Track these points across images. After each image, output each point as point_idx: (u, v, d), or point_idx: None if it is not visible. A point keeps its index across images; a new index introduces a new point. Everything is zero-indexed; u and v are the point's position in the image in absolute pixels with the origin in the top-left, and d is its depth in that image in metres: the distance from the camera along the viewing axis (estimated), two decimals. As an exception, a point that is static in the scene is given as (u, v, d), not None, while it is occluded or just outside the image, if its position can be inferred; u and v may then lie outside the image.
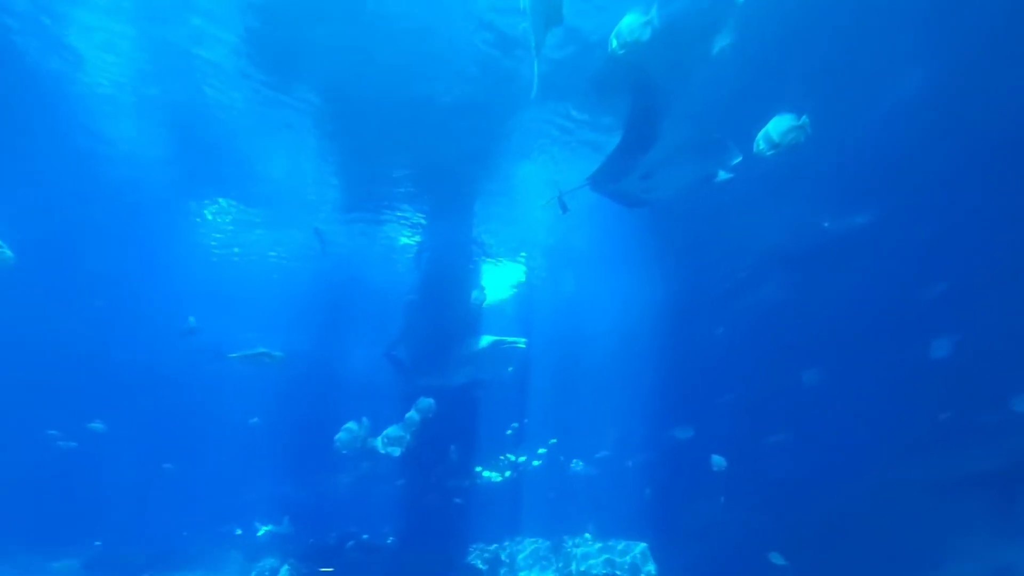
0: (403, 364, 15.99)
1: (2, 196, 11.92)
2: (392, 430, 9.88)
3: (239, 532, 15.32)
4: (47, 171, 11.10)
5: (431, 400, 10.85)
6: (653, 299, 16.01)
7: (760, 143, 5.69)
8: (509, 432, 16.95)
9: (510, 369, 14.45)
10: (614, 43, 5.85)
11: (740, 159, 8.83)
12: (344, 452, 9.82)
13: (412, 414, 9.91)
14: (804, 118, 5.45)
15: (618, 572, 13.19)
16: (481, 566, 13.83)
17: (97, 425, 18.48)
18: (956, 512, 10.85)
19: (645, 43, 5.80)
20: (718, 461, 11.20)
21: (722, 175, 9.22)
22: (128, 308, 17.74)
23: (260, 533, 15.34)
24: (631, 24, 5.76)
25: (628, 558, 13.45)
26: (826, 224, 11.97)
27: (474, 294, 11.77)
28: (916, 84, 8.42)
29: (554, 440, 17.84)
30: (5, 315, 17.79)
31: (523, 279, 16.27)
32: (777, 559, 10.82)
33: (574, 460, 17.03)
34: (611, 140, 9.86)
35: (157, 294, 16.42)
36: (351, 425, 9.66)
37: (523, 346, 13.57)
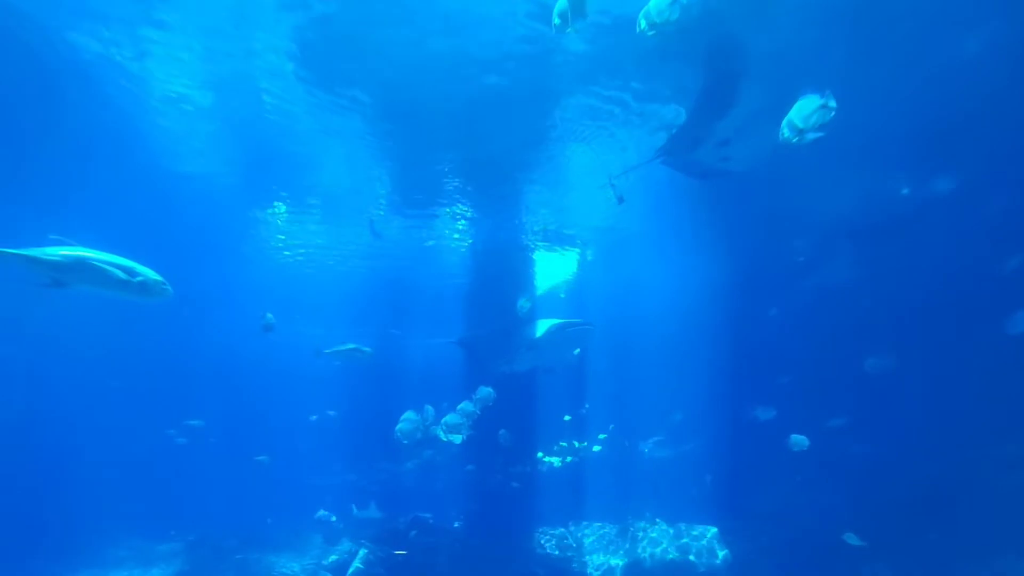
0: (472, 351, 16.17)
1: (93, 221, 12.94)
2: (451, 418, 10.09)
3: (334, 519, 16.10)
4: (125, 192, 11.80)
5: (490, 389, 11.04)
6: (713, 280, 15.51)
7: (785, 131, 5.55)
8: (567, 418, 16.93)
9: (576, 351, 14.22)
10: (643, 23, 5.64)
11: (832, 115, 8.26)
12: (406, 442, 10.10)
13: (466, 404, 10.06)
14: (829, 98, 5.24)
15: (690, 557, 12.93)
16: (549, 550, 13.94)
17: (196, 422, 20.01)
18: None
19: (675, 23, 5.61)
20: (799, 441, 10.52)
21: (810, 135, 8.63)
22: (208, 314, 19.06)
23: (358, 516, 15.97)
24: (660, 4, 5.53)
25: (699, 542, 13.15)
26: (905, 191, 11.09)
27: (520, 302, 11.53)
28: (1001, 35, 7.69)
29: (612, 426, 17.66)
30: (113, 329, 19.49)
31: (577, 265, 16.20)
32: (852, 540, 10.25)
33: (643, 441, 16.77)
34: (668, 114, 9.34)
35: (232, 299, 17.49)
36: (410, 415, 9.94)
37: (590, 326, 13.20)
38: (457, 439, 10.82)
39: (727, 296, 15.35)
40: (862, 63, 8.19)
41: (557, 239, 14.74)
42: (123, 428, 26.90)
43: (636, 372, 19.83)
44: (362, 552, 13.79)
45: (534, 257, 15.53)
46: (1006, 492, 10.60)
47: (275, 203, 12.72)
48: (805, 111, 5.35)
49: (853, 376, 12.61)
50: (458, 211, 12.98)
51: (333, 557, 14.88)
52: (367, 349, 9.73)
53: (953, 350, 11.72)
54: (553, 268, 16.25)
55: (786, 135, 5.56)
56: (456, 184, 11.93)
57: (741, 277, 14.76)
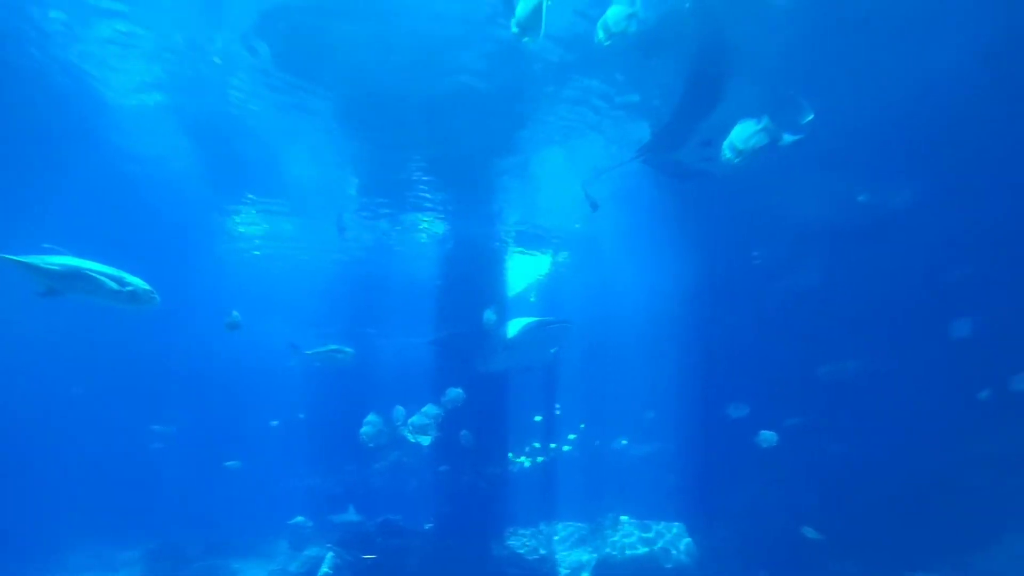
0: (447, 351, 15.84)
1: (50, 216, 12.41)
2: (417, 418, 9.93)
3: (308, 524, 15.65)
4: (84, 186, 11.45)
5: (459, 390, 10.97)
6: (687, 282, 15.54)
7: (726, 152, 5.95)
8: (538, 418, 16.85)
9: (554, 350, 14.06)
10: (600, 34, 5.78)
11: (812, 117, 8.27)
12: (371, 445, 9.87)
13: (430, 407, 9.92)
14: (765, 121, 5.67)
15: (660, 554, 12.94)
16: (521, 550, 13.83)
17: (159, 427, 19.42)
18: (1014, 486, 10.29)
19: (631, 36, 5.78)
20: (767, 437, 10.63)
21: (788, 138, 8.51)
22: (173, 316, 18.49)
23: (336, 521, 15.56)
24: (617, 16, 5.65)
25: (669, 540, 13.18)
26: (869, 198, 11.18)
27: (486, 313, 11.43)
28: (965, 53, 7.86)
29: (583, 425, 17.64)
30: (76, 331, 18.83)
31: (550, 266, 16.16)
32: (810, 533, 10.37)
33: (615, 440, 16.67)
34: (650, 112, 9.24)
35: (197, 297, 17.00)
36: (372, 418, 9.75)
37: (569, 324, 12.95)
38: (425, 441, 10.64)
39: (699, 297, 15.41)
40: (841, 67, 8.29)
41: (531, 240, 14.65)
42: (86, 432, 26.05)
43: (609, 372, 19.85)
44: (329, 557, 13.49)
45: (508, 257, 15.42)
46: (975, 490, 10.77)
47: (241, 197, 12.37)
48: (744, 134, 5.76)
49: (825, 377, 12.73)
50: (430, 208, 12.77)
51: (299, 563, 14.51)
52: (348, 350, 9.73)
53: (925, 352, 11.88)
54: (526, 270, 16.16)
55: (727, 156, 5.92)
56: (428, 180, 11.73)
57: (714, 279, 14.83)
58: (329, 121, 9.57)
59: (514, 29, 5.54)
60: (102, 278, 5.45)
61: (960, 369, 11.11)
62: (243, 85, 8.63)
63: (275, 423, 19.66)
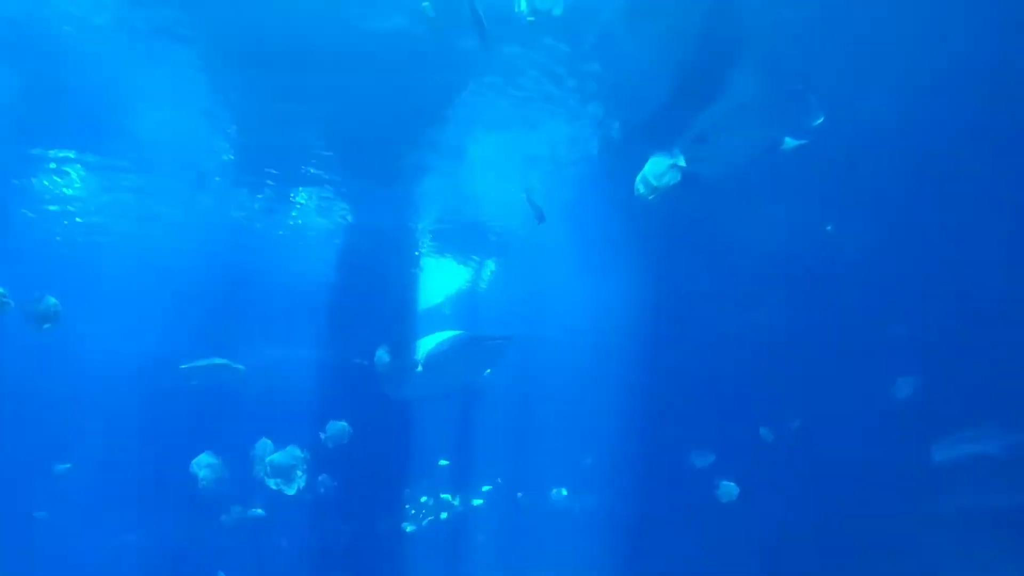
0: (345, 372, 14.37)
1: None
2: (278, 457, 8.12)
3: None
4: None
5: (344, 423, 9.63)
6: (637, 307, 14.68)
7: (640, 187, 5.98)
8: (443, 463, 15.17)
9: (488, 371, 12.95)
10: (523, 6, 5.82)
11: (822, 120, 7.90)
12: (209, 493, 8.23)
13: (293, 448, 8.22)
14: (679, 158, 5.73)
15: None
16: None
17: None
18: (970, 548, 10.75)
19: (558, 17, 5.98)
20: (728, 489, 10.27)
21: (790, 142, 8.35)
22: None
23: None
24: None
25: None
26: (829, 228, 10.95)
27: (378, 353, 10.68)
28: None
29: (500, 480, 16.31)
30: None
31: (473, 275, 14.85)
32: None
33: (555, 489, 15.60)
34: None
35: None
36: (207, 459, 7.92)
37: (508, 341, 12.04)
38: (290, 489, 8.63)
39: (648, 327, 14.68)
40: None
41: (454, 241, 13.31)
42: None
43: (539, 406, 18.61)
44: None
45: (423, 260, 13.94)
46: (935, 548, 11.11)
47: (63, 142, 9.89)
48: (658, 169, 5.76)
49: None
50: (327, 184, 11.01)
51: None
52: (239, 366, 8.85)
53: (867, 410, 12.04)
54: (444, 277, 14.79)
55: (641, 191, 5.91)
56: (328, 155, 10.19)
57: (665, 308, 14.17)
58: (200, 56, 7.67)
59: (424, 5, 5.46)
60: None
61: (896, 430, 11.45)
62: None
63: (67, 466, 15.70)
